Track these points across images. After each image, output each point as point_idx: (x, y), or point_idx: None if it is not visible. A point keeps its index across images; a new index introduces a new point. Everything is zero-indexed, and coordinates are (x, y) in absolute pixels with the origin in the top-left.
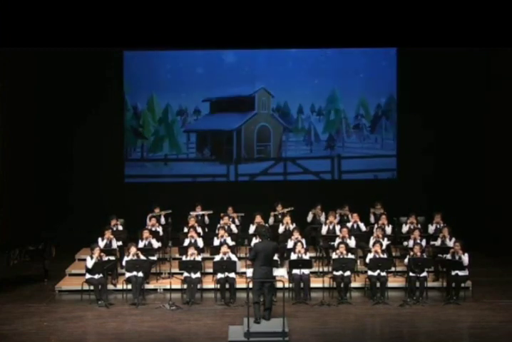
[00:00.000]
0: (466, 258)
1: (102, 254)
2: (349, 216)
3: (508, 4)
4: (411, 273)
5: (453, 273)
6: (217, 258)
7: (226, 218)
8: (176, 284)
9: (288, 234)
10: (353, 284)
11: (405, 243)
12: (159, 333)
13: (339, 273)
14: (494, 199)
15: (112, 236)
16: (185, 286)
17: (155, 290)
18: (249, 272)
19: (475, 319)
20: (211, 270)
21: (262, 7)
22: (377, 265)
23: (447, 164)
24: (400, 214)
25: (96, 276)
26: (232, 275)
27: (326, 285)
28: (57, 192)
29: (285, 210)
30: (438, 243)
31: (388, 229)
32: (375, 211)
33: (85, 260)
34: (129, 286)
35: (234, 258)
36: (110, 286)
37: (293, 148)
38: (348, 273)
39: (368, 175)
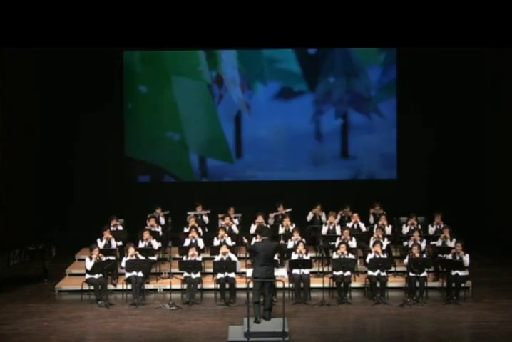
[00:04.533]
0: (466, 259)
1: (100, 254)
2: (350, 216)
3: (508, 4)
4: (411, 273)
5: (453, 273)
6: (217, 258)
7: (227, 218)
8: (176, 284)
9: (288, 234)
10: (353, 284)
11: (405, 243)
12: (159, 333)
13: (339, 273)
14: (494, 199)
15: (111, 236)
16: (185, 286)
17: (155, 290)
18: (249, 272)
19: (475, 319)
20: (211, 270)
21: (262, 7)
22: (377, 265)
23: (447, 164)
24: (400, 214)
25: (96, 276)
26: (232, 275)
27: (326, 285)
28: (57, 192)
29: (284, 211)
30: (439, 243)
31: (388, 229)
32: (374, 211)
33: (85, 260)
34: (129, 286)
35: (234, 258)
36: (110, 286)
37: None
38: (348, 273)
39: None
